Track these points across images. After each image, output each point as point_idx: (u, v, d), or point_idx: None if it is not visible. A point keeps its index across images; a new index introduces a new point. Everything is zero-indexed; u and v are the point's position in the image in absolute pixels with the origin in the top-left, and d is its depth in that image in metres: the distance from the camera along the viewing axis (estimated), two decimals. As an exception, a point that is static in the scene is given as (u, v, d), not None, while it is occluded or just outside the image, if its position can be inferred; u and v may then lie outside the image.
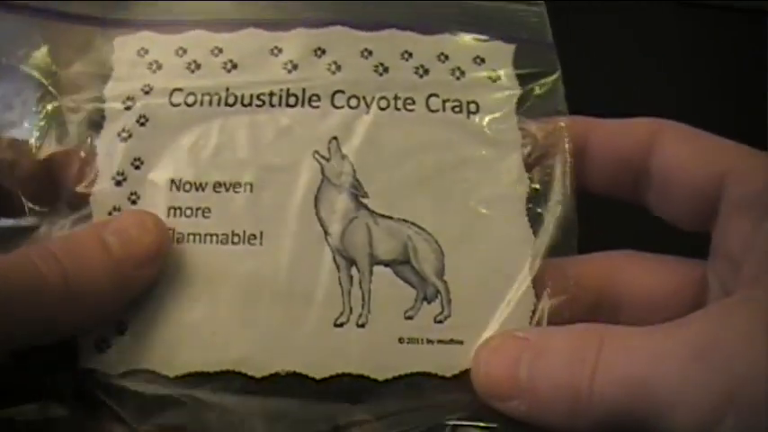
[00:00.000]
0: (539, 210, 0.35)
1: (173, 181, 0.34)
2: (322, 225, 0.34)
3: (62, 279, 0.30)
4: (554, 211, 0.35)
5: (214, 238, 0.34)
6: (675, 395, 0.27)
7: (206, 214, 0.34)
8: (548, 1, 0.37)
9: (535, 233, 0.35)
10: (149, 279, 0.33)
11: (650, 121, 0.35)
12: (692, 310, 0.30)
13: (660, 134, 0.34)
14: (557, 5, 0.39)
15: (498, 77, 0.38)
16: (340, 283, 0.33)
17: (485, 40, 0.38)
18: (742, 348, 0.26)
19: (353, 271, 0.34)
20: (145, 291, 0.33)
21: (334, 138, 0.35)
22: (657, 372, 0.27)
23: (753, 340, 0.26)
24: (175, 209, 0.34)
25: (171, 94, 0.36)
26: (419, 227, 0.35)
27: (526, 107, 0.37)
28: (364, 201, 0.35)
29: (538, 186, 0.36)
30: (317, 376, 0.33)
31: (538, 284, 0.34)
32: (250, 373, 0.32)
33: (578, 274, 0.35)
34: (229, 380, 0.32)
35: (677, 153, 0.33)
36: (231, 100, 0.36)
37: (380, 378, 0.33)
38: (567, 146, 0.36)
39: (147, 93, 0.36)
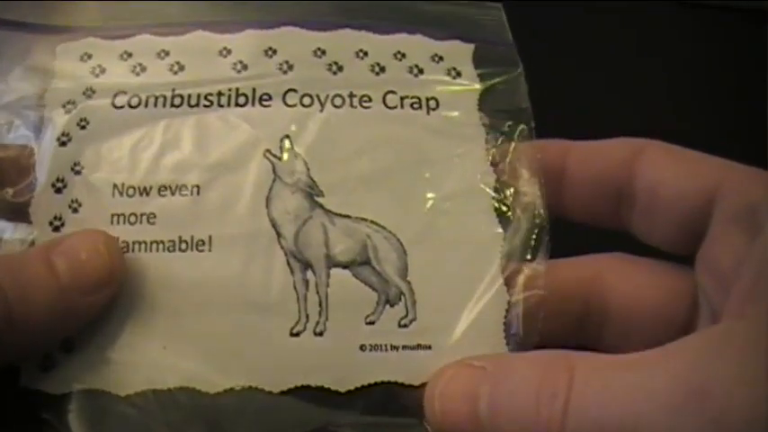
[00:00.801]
0: (506, 206, 0.33)
1: (115, 186, 0.32)
2: (274, 227, 0.32)
3: (3, 306, 0.28)
4: (524, 207, 0.33)
5: (160, 245, 0.32)
6: None
7: (151, 220, 0.32)
8: (548, 1, 0.35)
9: (504, 230, 0.33)
10: (100, 305, 0.30)
11: (630, 141, 0.33)
12: (684, 323, 0.28)
13: (642, 153, 0.32)
14: (557, 5, 0.38)
15: (458, 74, 0.36)
16: (295, 289, 0.31)
17: (443, 39, 0.36)
18: (738, 392, 0.23)
19: (309, 275, 0.32)
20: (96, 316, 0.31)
21: (287, 136, 0.33)
22: (640, 413, 0.24)
23: (749, 382, 0.23)
24: (119, 216, 0.32)
25: (114, 97, 0.34)
26: (379, 225, 0.32)
27: (488, 103, 0.35)
28: (319, 200, 0.32)
29: (506, 180, 0.33)
30: (274, 389, 0.31)
31: (510, 285, 0.32)
32: (203, 389, 0.30)
33: (562, 280, 0.32)
34: (181, 396, 0.30)
35: (663, 170, 0.31)
36: (177, 101, 0.34)
37: (342, 389, 0.31)
38: (533, 139, 0.34)
39: (88, 96, 0.34)
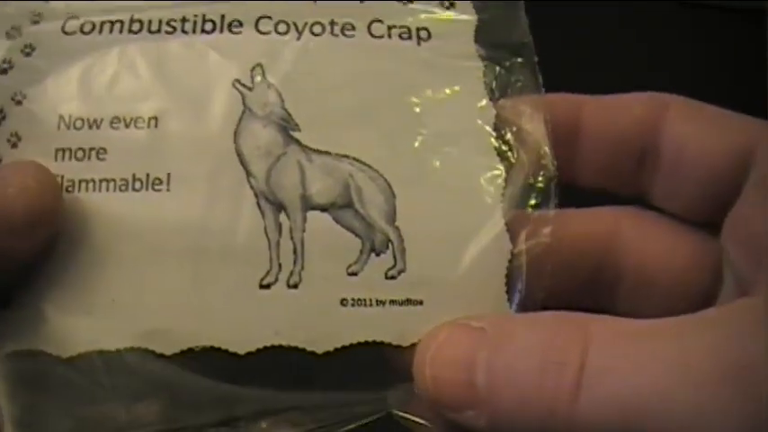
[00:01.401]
0: (508, 145, 0.29)
1: (61, 117, 0.28)
2: (243, 164, 0.28)
3: None
4: (528, 147, 0.29)
5: (111, 184, 0.27)
6: (691, 422, 0.21)
7: (101, 156, 0.28)
8: (547, 1, 0.34)
9: (506, 172, 0.29)
10: (35, 251, 0.26)
11: (652, 95, 0.30)
12: (704, 293, 0.26)
13: (667, 108, 0.29)
14: (557, 5, 0.37)
15: (452, 4, 0.31)
16: (266, 234, 0.27)
17: None
18: None
19: (282, 218, 0.28)
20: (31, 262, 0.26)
21: (258, 65, 0.29)
22: (669, 389, 0.21)
23: None
24: (64, 151, 0.28)
25: (65, 22, 0.30)
26: (363, 163, 0.28)
27: (485, 35, 0.31)
28: (295, 135, 0.28)
29: (507, 117, 0.29)
30: (241, 351, 0.26)
31: (513, 233, 0.28)
32: (159, 351, 0.26)
33: (573, 233, 0.29)
34: (132, 359, 0.26)
35: (691, 128, 0.28)
36: (136, 27, 0.30)
37: (319, 350, 0.27)
38: (539, 78, 0.30)
39: (35, 22, 0.30)
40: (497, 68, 0.30)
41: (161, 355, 0.26)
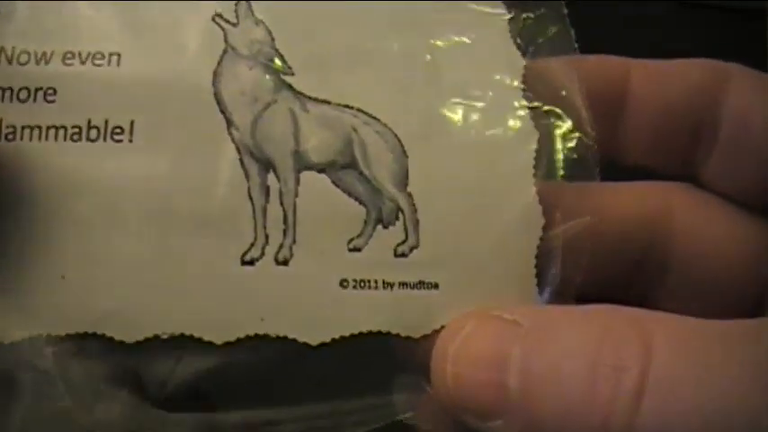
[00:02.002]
0: (540, 101, 0.24)
1: (2, 50, 0.23)
2: (223, 111, 0.23)
3: None
4: (564, 104, 0.24)
5: (61, 132, 0.22)
6: None
7: (49, 97, 0.22)
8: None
9: (539, 132, 0.24)
10: None
11: (709, 62, 0.26)
12: (762, 291, 0.23)
13: (728, 78, 0.25)
14: None
15: None
16: (250, 198, 0.22)
17: None
18: None
19: (271, 179, 0.23)
20: None
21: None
22: (746, 397, 0.18)
23: None
24: (4, 90, 0.23)
25: None
26: (369, 115, 0.23)
27: None
28: (287, 79, 0.23)
29: (537, 70, 0.25)
30: (218, 340, 0.21)
31: (547, 207, 0.23)
32: (118, 337, 0.21)
33: (619, 211, 0.25)
34: (87, 346, 0.21)
35: (757, 100, 0.25)
36: None
37: (313, 342, 0.22)
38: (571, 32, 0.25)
39: None
40: (524, 16, 0.25)
41: (121, 343, 0.22)
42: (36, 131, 0.22)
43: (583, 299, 0.23)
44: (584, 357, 0.20)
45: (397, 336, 0.23)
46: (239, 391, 0.23)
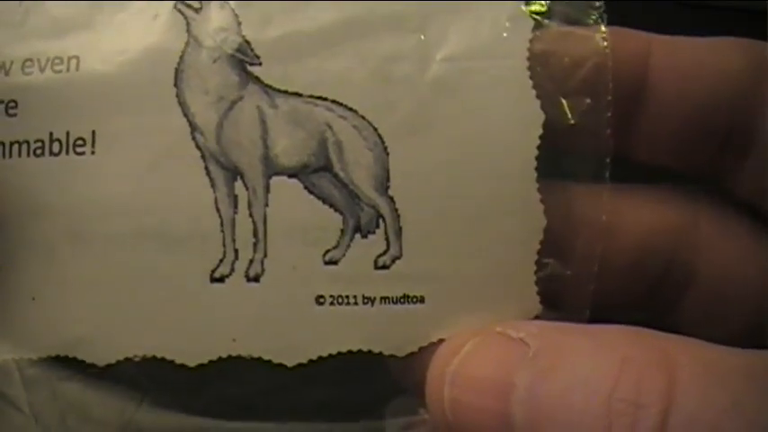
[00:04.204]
0: (549, 78, 0.21)
1: None
2: (186, 115, 0.21)
3: None
4: (580, 80, 0.21)
5: (24, 147, 0.21)
6: None
7: (11, 110, 0.21)
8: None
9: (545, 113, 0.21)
10: None
11: (749, 45, 0.22)
12: None
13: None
14: None
15: None
16: (217, 210, 0.21)
17: None
18: None
19: (238, 188, 0.21)
20: None
21: None
22: None
23: None
24: None
25: None
26: (346, 107, 0.20)
27: None
28: (254, 70, 0.21)
29: (549, 37, 0.20)
30: (189, 362, 0.20)
31: (550, 207, 0.20)
32: (88, 360, 0.21)
33: (641, 221, 0.22)
34: (55, 369, 0.21)
35: None
36: None
37: (289, 363, 0.21)
38: None
39: None
40: None
41: (92, 366, 0.21)
42: (0, 148, 0.21)
43: (596, 313, 0.20)
44: (599, 390, 0.17)
45: (380, 355, 0.20)
46: (225, 414, 0.21)
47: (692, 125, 0.22)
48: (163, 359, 0.21)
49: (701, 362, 0.17)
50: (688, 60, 0.22)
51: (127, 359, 0.21)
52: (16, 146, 0.21)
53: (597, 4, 0.21)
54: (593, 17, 0.21)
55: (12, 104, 0.22)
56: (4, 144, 0.21)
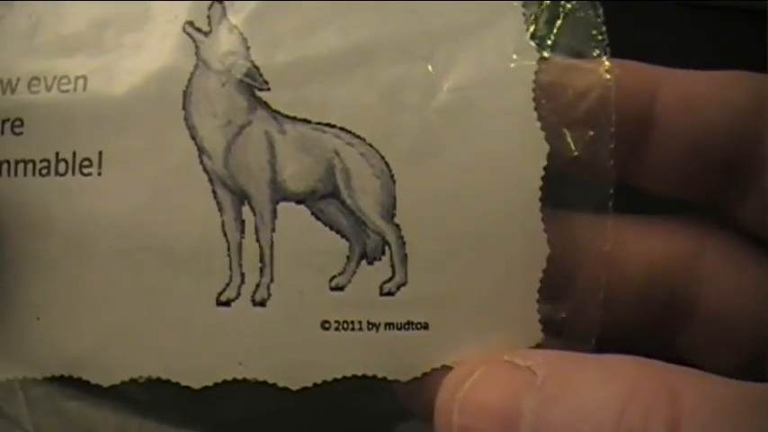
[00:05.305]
0: (554, 118, 0.21)
1: None
2: (194, 138, 0.21)
3: None
4: (586, 108, 0.21)
5: (29, 166, 0.21)
6: None
7: (17, 129, 0.21)
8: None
9: (550, 145, 0.21)
10: None
11: (752, 78, 0.22)
12: None
13: None
14: None
15: None
16: (224, 234, 0.21)
17: None
18: None
19: (246, 212, 0.21)
20: None
21: (219, 0, 0.22)
22: None
23: None
24: None
25: None
26: (353, 134, 0.21)
27: None
28: (263, 96, 0.21)
29: (555, 64, 0.21)
30: (196, 385, 0.20)
31: (554, 238, 0.21)
32: (94, 381, 0.21)
33: (644, 252, 0.22)
34: (62, 390, 0.21)
35: None
36: None
37: (294, 387, 0.21)
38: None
39: None
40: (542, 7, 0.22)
41: (97, 387, 0.21)
42: (5, 166, 0.21)
43: (599, 342, 0.20)
44: (606, 421, 0.17)
45: (385, 380, 0.21)
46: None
47: (696, 156, 0.22)
48: (168, 381, 0.21)
49: (705, 393, 0.18)
50: (693, 93, 0.22)
51: (132, 380, 0.21)
52: (22, 165, 0.21)
53: (600, 37, 0.22)
54: (597, 50, 0.22)
55: (17, 123, 0.22)
56: (9, 162, 0.21)
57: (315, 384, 0.21)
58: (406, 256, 0.21)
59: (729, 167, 0.22)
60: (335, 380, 0.21)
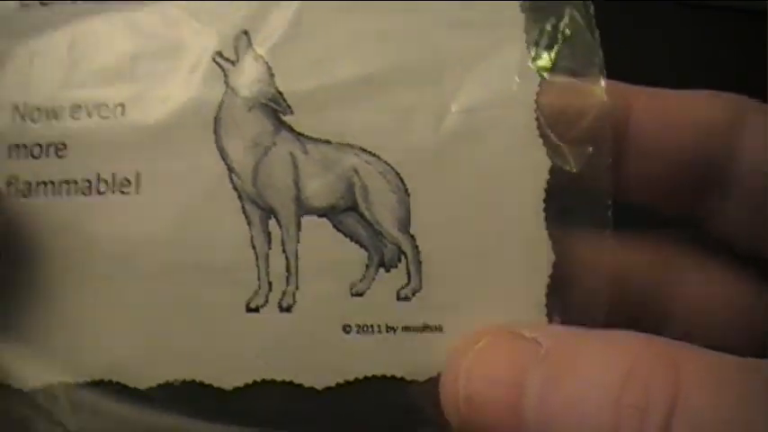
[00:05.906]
0: (554, 124, 0.23)
1: (16, 107, 0.24)
2: (225, 159, 0.23)
3: None
4: (583, 128, 0.23)
5: (72, 186, 0.23)
6: None
7: (60, 152, 0.23)
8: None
9: (552, 160, 0.23)
10: None
11: (721, 97, 0.23)
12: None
13: (743, 120, 0.23)
14: None
15: None
16: (252, 246, 0.23)
17: None
18: None
19: (272, 226, 0.23)
20: None
21: (245, 32, 0.24)
22: None
23: None
24: (19, 147, 0.23)
25: None
26: (371, 153, 0.23)
27: None
28: (287, 119, 0.23)
29: (555, 87, 0.23)
30: (227, 386, 0.22)
31: (559, 247, 0.23)
32: (130, 384, 0.22)
33: (624, 268, 0.24)
34: (98, 392, 0.22)
35: None
36: None
37: (319, 386, 0.23)
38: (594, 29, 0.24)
39: None
40: (544, 23, 0.24)
41: (135, 390, 0.23)
42: (50, 187, 0.23)
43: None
44: (608, 393, 0.18)
45: (402, 380, 0.22)
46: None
47: (669, 173, 0.24)
48: (201, 383, 0.23)
49: (706, 365, 0.18)
50: (664, 113, 0.23)
51: (167, 383, 0.23)
52: (65, 185, 0.23)
53: (597, 59, 0.23)
54: (594, 71, 0.23)
55: (61, 146, 0.23)
56: (54, 183, 0.23)
57: (338, 384, 0.22)
58: (420, 263, 0.23)
59: (702, 184, 0.24)
60: (357, 380, 0.22)
